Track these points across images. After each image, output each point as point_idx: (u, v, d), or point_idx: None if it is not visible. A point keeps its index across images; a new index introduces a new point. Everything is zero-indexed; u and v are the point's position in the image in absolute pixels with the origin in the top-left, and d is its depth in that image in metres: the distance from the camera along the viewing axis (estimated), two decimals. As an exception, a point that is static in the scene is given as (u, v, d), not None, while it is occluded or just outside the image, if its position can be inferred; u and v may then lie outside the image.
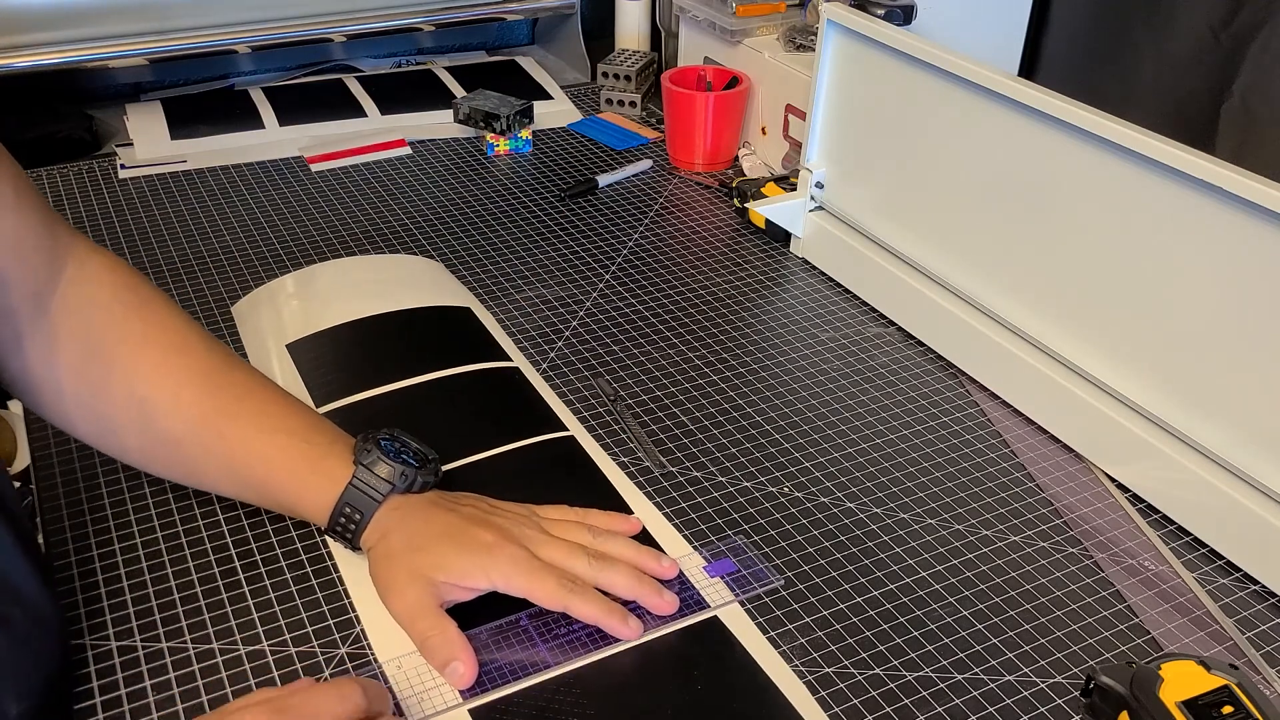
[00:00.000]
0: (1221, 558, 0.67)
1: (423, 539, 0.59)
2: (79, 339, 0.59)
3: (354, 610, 0.60)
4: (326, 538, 0.65)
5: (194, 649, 0.58)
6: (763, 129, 1.14)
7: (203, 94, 1.29)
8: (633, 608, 0.59)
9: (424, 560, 0.58)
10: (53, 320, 0.59)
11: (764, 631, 0.60)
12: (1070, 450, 0.75)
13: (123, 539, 0.65)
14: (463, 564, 0.58)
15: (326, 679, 0.56)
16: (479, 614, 0.59)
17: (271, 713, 0.46)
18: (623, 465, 0.72)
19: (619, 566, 0.60)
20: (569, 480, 0.69)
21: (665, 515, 0.68)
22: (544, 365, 0.82)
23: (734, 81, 1.13)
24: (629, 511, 0.67)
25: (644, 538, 0.65)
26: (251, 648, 0.58)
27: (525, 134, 1.18)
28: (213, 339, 0.65)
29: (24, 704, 0.50)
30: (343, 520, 0.60)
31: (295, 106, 1.24)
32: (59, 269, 0.59)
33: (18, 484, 0.68)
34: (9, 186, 0.56)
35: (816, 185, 0.96)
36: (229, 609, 0.60)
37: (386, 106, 1.25)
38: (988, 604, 0.62)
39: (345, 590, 0.61)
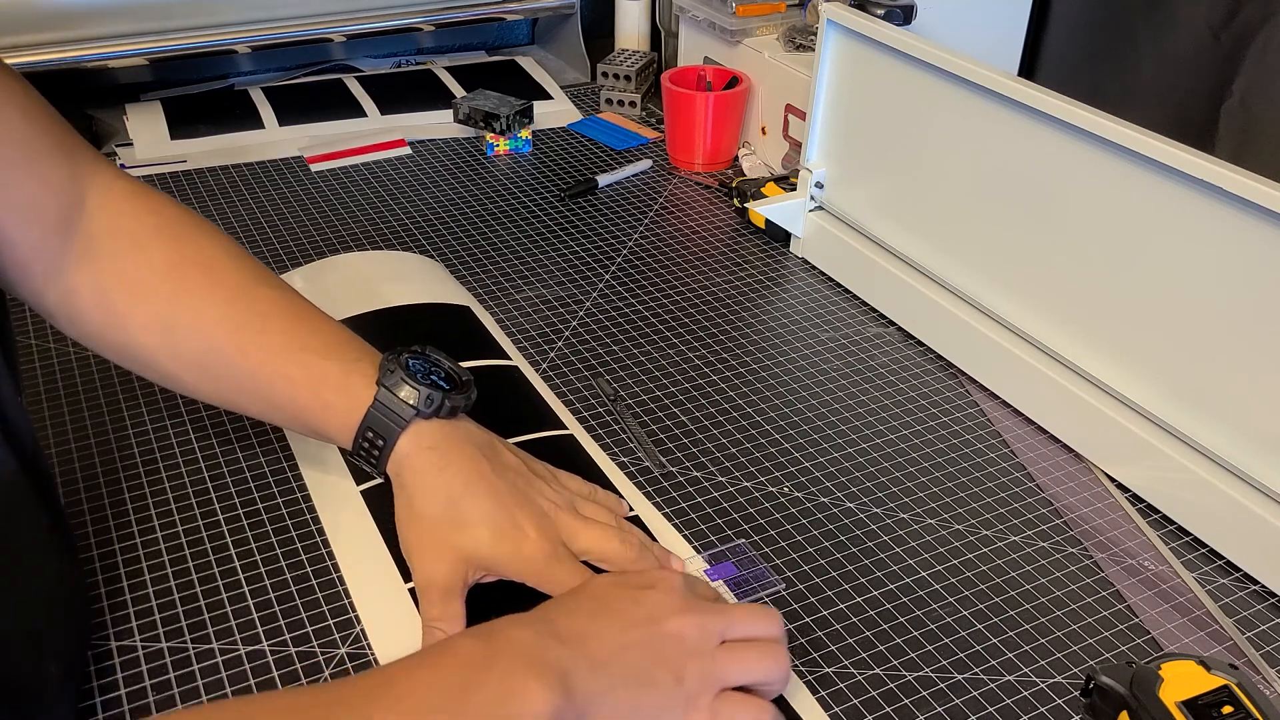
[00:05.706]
0: (1221, 558, 0.67)
1: (463, 511, 0.57)
2: (107, 266, 0.58)
3: (354, 610, 0.60)
4: (328, 535, 0.65)
5: (194, 649, 0.58)
6: (763, 129, 1.14)
7: (203, 94, 1.29)
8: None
9: (460, 539, 0.57)
10: (81, 249, 0.57)
11: (764, 631, 0.60)
12: (1070, 450, 0.75)
13: (122, 539, 0.65)
14: (496, 554, 0.57)
15: None
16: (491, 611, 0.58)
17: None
18: (623, 465, 0.72)
19: (647, 554, 0.61)
20: (569, 480, 0.69)
21: (665, 515, 0.68)
22: (544, 365, 0.82)
23: (734, 81, 1.13)
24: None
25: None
26: (251, 648, 0.58)
27: (525, 134, 1.18)
28: (243, 255, 0.62)
29: (61, 663, 0.51)
30: (365, 445, 0.59)
31: (295, 106, 1.24)
32: (81, 197, 0.58)
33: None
34: (16, 112, 0.53)
35: (816, 185, 0.96)
36: (229, 609, 0.60)
37: (386, 106, 1.25)
38: (988, 604, 0.62)
39: (345, 590, 0.61)
